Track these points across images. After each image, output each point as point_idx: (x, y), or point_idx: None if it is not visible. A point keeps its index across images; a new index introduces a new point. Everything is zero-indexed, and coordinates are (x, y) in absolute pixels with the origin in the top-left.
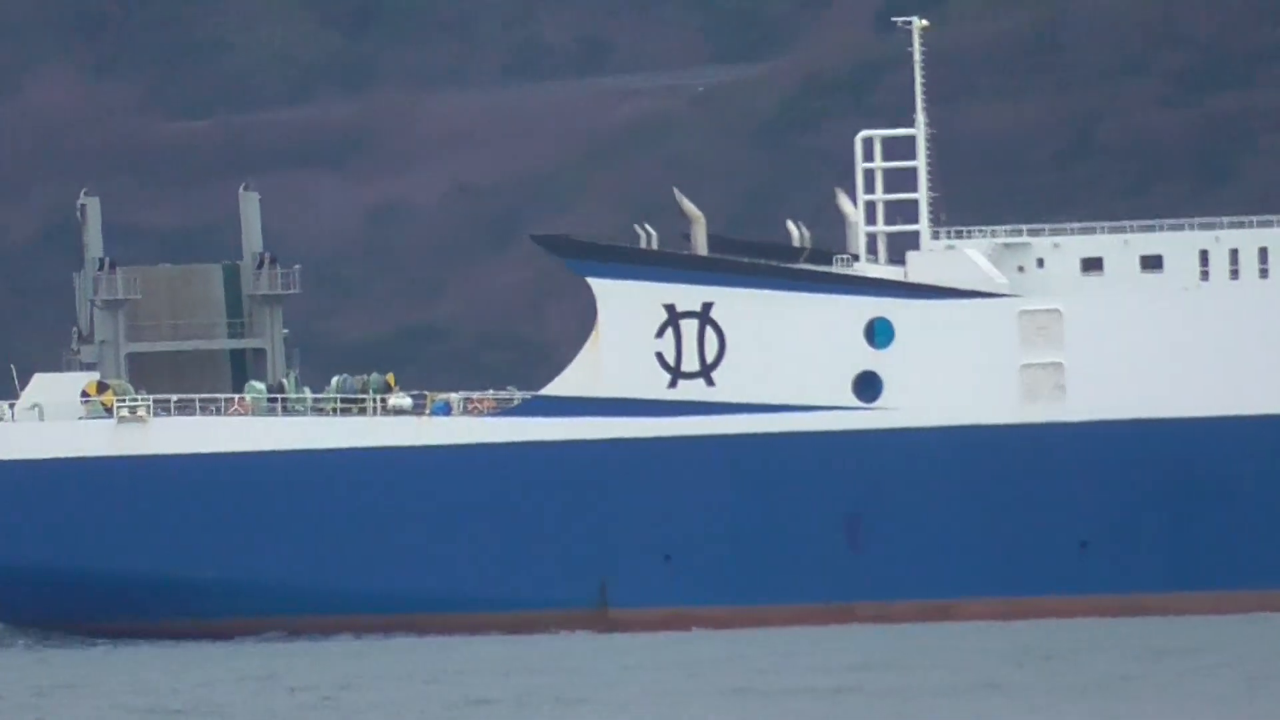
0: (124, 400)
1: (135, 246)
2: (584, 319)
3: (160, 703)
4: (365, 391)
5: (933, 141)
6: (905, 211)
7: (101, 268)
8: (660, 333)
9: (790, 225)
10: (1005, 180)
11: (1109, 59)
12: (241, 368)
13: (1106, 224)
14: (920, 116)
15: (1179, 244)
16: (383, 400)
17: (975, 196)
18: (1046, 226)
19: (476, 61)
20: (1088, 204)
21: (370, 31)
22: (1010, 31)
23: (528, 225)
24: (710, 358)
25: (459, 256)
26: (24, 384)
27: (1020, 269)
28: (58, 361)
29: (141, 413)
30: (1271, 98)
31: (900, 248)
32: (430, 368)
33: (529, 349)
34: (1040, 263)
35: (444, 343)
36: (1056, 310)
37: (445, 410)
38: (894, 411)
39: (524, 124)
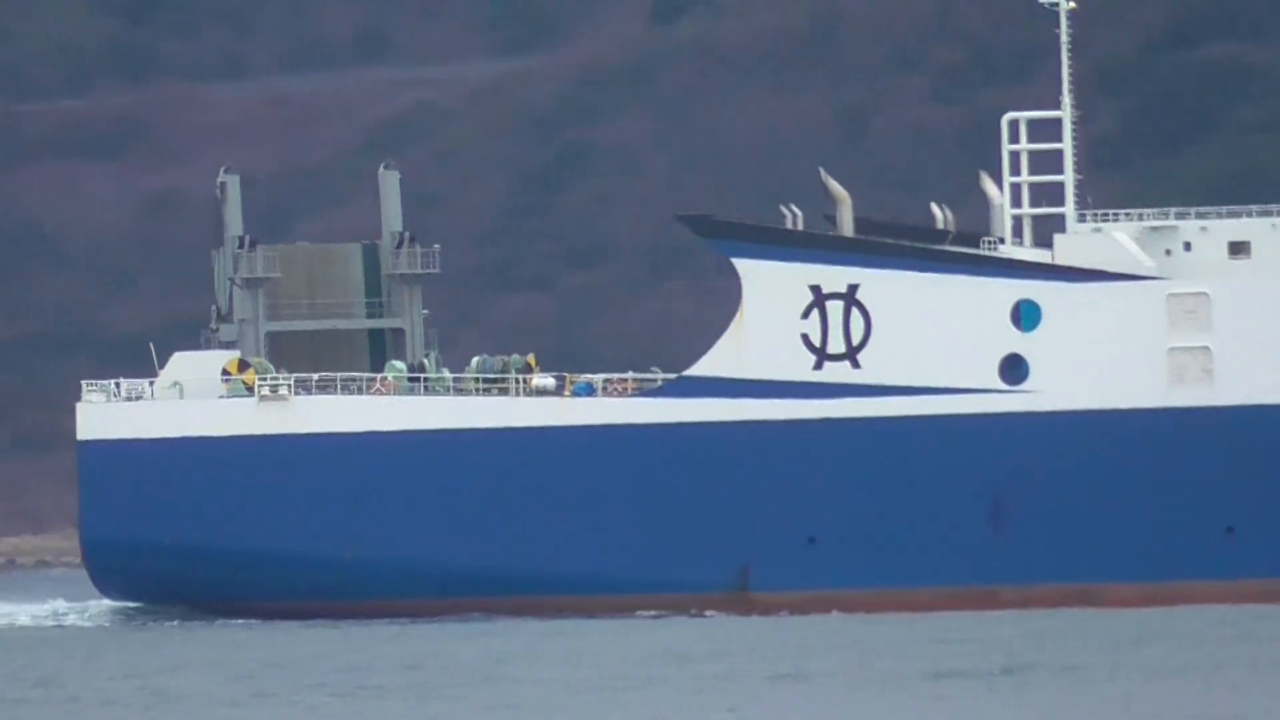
0: (265, 379)
1: None
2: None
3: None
4: (506, 372)
5: (1079, 124)
6: (1049, 194)
7: (241, 246)
8: (806, 314)
9: (934, 208)
10: (780, 174)
11: (882, 53)
12: (380, 347)
13: (1254, 207)
14: (1066, 99)
15: None
16: (524, 380)
17: (754, 190)
18: (1193, 210)
19: (254, 52)
20: (860, 197)
21: (148, 20)
22: (785, 25)
23: (303, 218)
24: (856, 340)
25: None
26: (163, 362)
27: (1167, 252)
28: (193, 340)
29: (283, 391)
30: (1042, 94)
31: (1044, 231)
32: None
33: None
34: (1187, 246)
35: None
36: (1204, 294)
37: (588, 390)
38: (1040, 394)
39: (301, 115)
